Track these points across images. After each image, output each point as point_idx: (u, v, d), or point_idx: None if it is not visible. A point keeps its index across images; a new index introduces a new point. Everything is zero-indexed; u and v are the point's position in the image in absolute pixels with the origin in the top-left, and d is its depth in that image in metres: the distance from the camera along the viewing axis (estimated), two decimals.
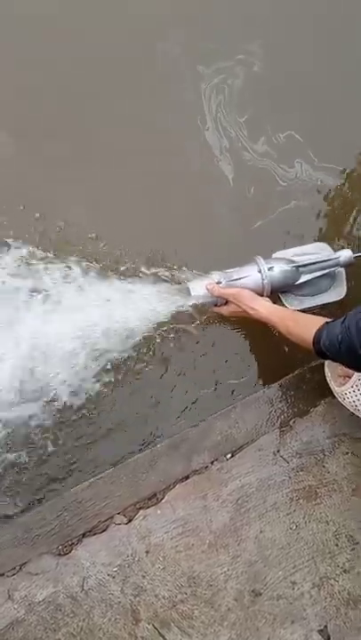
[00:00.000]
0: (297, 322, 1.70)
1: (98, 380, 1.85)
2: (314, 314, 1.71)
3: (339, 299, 1.98)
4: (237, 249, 1.95)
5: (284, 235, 2.03)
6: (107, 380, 1.88)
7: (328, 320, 1.62)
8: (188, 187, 2.09)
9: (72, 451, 1.84)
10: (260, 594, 1.66)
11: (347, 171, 2.18)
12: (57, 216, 1.98)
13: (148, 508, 1.75)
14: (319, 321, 1.62)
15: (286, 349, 1.96)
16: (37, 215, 1.98)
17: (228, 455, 1.81)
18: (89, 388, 1.84)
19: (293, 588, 1.66)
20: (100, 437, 1.86)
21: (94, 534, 1.72)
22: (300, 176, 2.14)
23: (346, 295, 1.95)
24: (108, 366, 1.86)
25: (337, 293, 1.98)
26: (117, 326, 1.81)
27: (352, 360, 1.52)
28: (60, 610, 1.61)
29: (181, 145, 2.14)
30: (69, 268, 1.88)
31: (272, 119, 2.19)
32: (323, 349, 1.57)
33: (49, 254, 1.90)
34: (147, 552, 1.69)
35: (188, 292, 1.86)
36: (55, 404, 1.82)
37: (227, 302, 1.87)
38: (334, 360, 1.65)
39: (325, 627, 1.63)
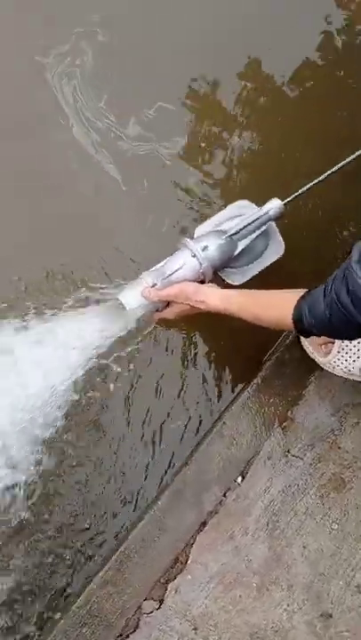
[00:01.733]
0: (265, 305, 1.44)
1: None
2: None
3: (280, 256, 1.72)
4: (153, 249, 1.60)
5: (196, 213, 1.70)
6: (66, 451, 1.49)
7: (300, 292, 1.35)
8: (75, 203, 1.71)
9: (59, 556, 1.46)
10: (331, 615, 1.46)
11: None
12: None
13: (176, 578, 1.46)
14: (290, 297, 1.37)
15: (248, 337, 1.67)
16: None
17: (239, 479, 1.55)
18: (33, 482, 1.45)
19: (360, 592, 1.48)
20: (82, 528, 1.50)
21: (127, 637, 1.40)
22: (180, 149, 1.82)
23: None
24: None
25: (276, 251, 1.73)
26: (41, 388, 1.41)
27: (350, 332, 1.29)
28: None
29: (50, 155, 1.73)
30: None
31: (135, 94, 1.84)
32: (307, 327, 1.32)
33: None
34: (195, 629, 1.41)
35: (121, 309, 1.50)
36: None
37: (169, 304, 1.54)
38: (321, 335, 1.41)
39: None
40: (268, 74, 1.94)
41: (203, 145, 1.85)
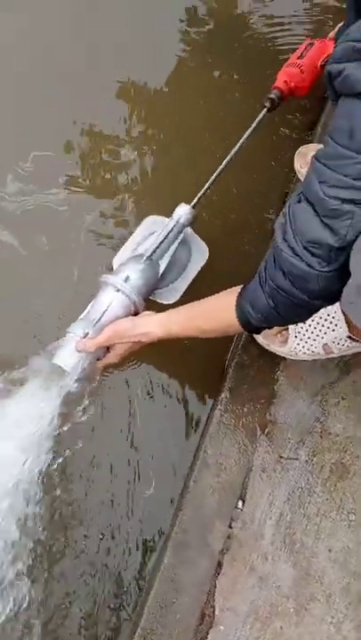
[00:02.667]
0: (205, 315, 1.33)
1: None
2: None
3: (205, 260, 1.62)
4: (74, 302, 1.45)
5: (107, 249, 1.56)
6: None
7: (235, 290, 1.24)
8: None
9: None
10: None
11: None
12: None
13: (208, 634, 1.32)
14: (228, 299, 1.26)
15: (197, 350, 1.55)
16: None
17: (240, 504, 1.42)
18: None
19: None
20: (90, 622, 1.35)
21: None
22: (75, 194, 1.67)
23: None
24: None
25: (200, 256, 1.63)
26: None
27: (299, 313, 1.19)
28: None
29: None
30: None
31: (6, 148, 1.66)
32: (256, 324, 1.22)
33: None
34: None
35: (60, 372, 1.34)
36: None
37: (109, 348, 1.40)
38: (273, 326, 1.30)
39: None
40: (142, 88, 1.80)
41: (89, 181, 1.70)
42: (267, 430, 1.48)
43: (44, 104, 1.74)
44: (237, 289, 1.25)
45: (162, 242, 1.46)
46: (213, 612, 1.34)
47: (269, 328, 1.33)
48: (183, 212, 1.47)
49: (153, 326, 1.35)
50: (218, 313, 1.29)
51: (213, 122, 1.79)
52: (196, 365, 1.57)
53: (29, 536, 1.29)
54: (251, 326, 1.23)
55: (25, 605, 1.34)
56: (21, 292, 1.57)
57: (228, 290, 1.28)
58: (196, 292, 1.45)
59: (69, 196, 1.68)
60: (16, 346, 1.47)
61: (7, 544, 1.30)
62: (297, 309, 1.16)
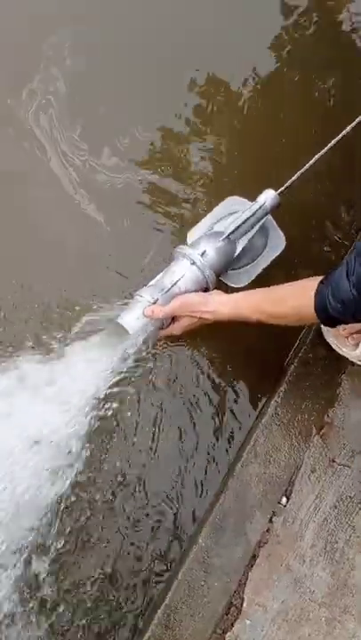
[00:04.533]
0: (279, 300, 1.29)
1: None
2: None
3: (282, 249, 1.59)
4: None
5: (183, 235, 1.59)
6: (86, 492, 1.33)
7: (315, 279, 1.22)
8: (58, 249, 1.58)
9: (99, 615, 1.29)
10: None
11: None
12: None
13: (233, 625, 1.28)
14: (306, 285, 1.23)
15: (262, 341, 1.52)
16: None
17: (283, 500, 1.38)
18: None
19: None
20: (120, 583, 1.33)
21: None
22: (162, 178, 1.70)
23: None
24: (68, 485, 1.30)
25: (277, 245, 1.59)
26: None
27: None
28: None
29: (30, 194, 1.62)
30: None
31: (109, 122, 1.72)
32: (334, 315, 1.18)
33: None
34: None
35: (123, 333, 1.34)
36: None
37: (174, 319, 1.39)
38: (346, 320, 1.26)
39: None
40: (237, 80, 1.83)
41: (176, 168, 1.73)
42: (322, 431, 1.44)
43: (154, 88, 1.78)
44: (317, 278, 1.23)
45: (243, 223, 1.45)
46: (242, 603, 1.29)
47: (343, 322, 1.30)
48: (269, 196, 1.46)
49: (223, 305, 1.34)
50: (294, 299, 1.27)
51: (311, 119, 1.79)
52: (258, 356, 1.55)
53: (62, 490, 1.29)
54: (326, 314, 1.20)
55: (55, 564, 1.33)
56: (100, 260, 1.60)
57: (306, 279, 1.26)
58: (265, 281, 1.44)
59: (156, 179, 1.71)
60: (86, 302, 1.49)
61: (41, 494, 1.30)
62: None
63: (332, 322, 1.23)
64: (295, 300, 1.25)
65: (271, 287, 1.36)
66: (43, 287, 1.53)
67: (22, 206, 1.61)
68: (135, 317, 1.34)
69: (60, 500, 1.28)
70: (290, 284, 1.31)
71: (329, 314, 1.19)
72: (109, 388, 1.34)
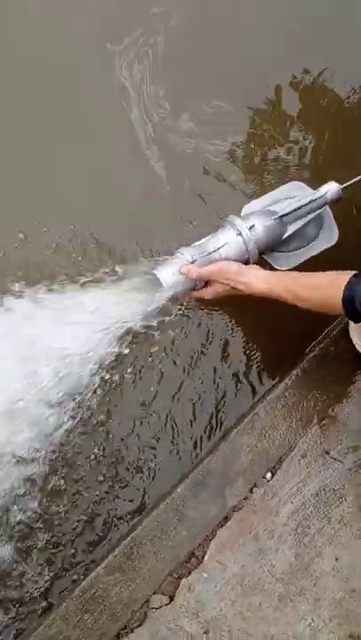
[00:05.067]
0: (311, 285, 1.32)
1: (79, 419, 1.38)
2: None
3: (332, 244, 1.60)
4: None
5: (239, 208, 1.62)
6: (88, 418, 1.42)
7: (355, 272, 1.24)
8: (119, 197, 1.66)
9: (66, 530, 1.37)
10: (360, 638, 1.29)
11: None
12: None
13: (190, 574, 1.33)
14: (340, 277, 1.25)
15: (290, 325, 1.55)
16: None
17: (268, 475, 1.42)
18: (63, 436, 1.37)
19: None
20: (97, 499, 1.41)
21: (132, 630, 1.29)
22: (234, 149, 1.75)
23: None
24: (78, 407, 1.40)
25: (328, 239, 1.60)
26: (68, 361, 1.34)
27: None
28: None
29: (107, 140, 1.70)
30: None
31: (195, 87, 1.77)
32: (359, 309, 1.19)
33: None
34: (206, 632, 1.28)
35: (157, 284, 1.41)
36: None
37: (207, 283, 1.44)
38: None
39: None
40: (331, 80, 1.85)
41: (249, 147, 1.77)
42: (323, 422, 1.46)
43: (245, 62, 1.83)
44: (351, 272, 1.26)
45: (299, 208, 1.48)
46: (203, 556, 1.35)
47: None
48: (331, 188, 1.48)
49: (258, 280, 1.38)
50: (325, 287, 1.29)
51: None
52: (282, 337, 1.59)
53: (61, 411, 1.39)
54: (352, 306, 1.22)
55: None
56: (150, 217, 1.67)
57: (342, 271, 1.29)
58: (305, 271, 1.47)
59: (227, 150, 1.76)
60: (133, 250, 1.57)
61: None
62: None
63: (357, 317, 1.25)
64: (326, 288, 1.28)
65: (304, 273, 1.40)
66: (97, 230, 1.61)
67: (95, 150, 1.69)
68: (171, 272, 1.40)
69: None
70: (325, 272, 1.34)
71: (355, 306, 1.21)
72: (131, 330, 1.42)
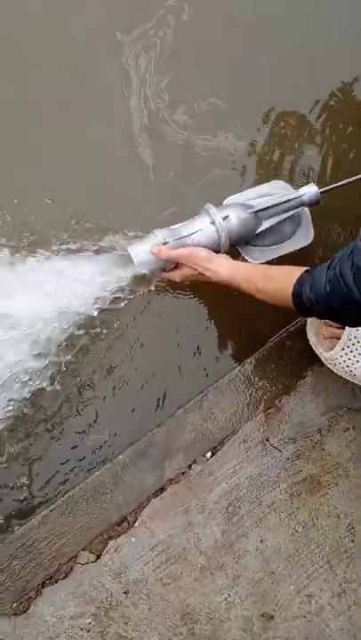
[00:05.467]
0: (268, 277, 1.39)
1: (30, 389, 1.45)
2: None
3: (306, 244, 1.66)
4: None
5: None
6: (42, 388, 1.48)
7: (307, 268, 1.30)
8: (104, 178, 1.72)
9: (8, 479, 1.44)
10: (273, 617, 1.35)
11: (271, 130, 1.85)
12: None
13: (119, 536, 1.39)
14: (296, 271, 1.31)
15: (255, 315, 1.61)
16: None
17: (208, 454, 1.47)
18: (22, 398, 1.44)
19: (311, 603, 1.36)
20: (41, 458, 1.48)
21: (56, 581, 1.35)
22: (223, 146, 1.79)
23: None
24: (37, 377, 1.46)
25: (304, 238, 1.66)
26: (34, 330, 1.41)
27: (349, 313, 1.21)
28: None
29: (102, 122, 1.76)
30: None
31: (195, 82, 1.83)
32: (306, 304, 1.26)
33: None
34: (126, 593, 1.34)
35: (128, 261, 1.48)
36: None
37: (177, 266, 1.51)
38: (321, 316, 1.36)
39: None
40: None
41: (240, 145, 1.82)
42: (268, 411, 1.52)
43: (248, 65, 1.88)
44: (305, 267, 1.32)
45: (275, 205, 1.54)
46: (134, 522, 1.41)
47: (318, 317, 1.38)
48: (310, 191, 1.54)
49: (223, 268, 1.45)
50: (280, 279, 1.36)
51: None
52: (242, 328, 1.64)
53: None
54: (300, 302, 1.28)
55: None
56: (134, 198, 1.72)
57: (299, 267, 1.35)
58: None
59: (216, 146, 1.81)
60: (109, 227, 1.63)
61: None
62: (347, 307, 1.19)
63: (305, 311, 1.31)
64: (281, 280, 1.34)
65: (267, 265, 1.46)
66: (81, 205, 1.66)
67: (88, 131, 1.74)
68: (142, 251, 1.47)
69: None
70: (282, 266, 1.41)
71: (303, 302, 1.27)
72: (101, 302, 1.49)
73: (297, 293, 1.28)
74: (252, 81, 1.85)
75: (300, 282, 1.29)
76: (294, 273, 1.31)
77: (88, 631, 1.31)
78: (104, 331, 1.57)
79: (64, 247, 1.57)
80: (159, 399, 1.56)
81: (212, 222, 1.50)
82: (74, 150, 1.74)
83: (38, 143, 1.72)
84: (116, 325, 1.58)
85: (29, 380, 1.43)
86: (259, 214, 1.56)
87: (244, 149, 1.83)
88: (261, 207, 1.56)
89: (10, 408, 1.42)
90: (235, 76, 1.86)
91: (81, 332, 1.53)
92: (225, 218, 1.51)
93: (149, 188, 1.73)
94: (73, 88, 1.78)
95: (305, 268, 1.31)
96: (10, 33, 1.81)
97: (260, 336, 1.61)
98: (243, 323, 1.65)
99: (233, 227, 1.52)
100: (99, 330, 1.56)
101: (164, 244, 1.47)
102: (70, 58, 1.80)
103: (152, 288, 1.59)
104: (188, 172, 1.77)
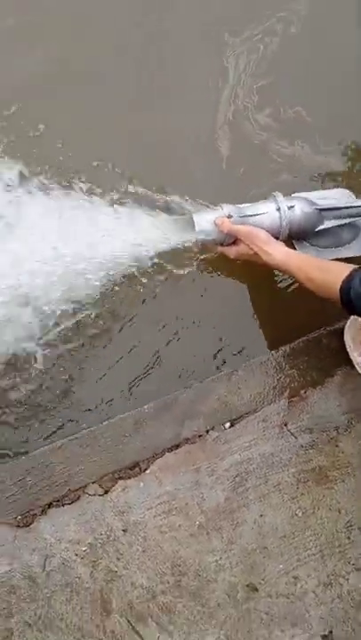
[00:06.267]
0: (320, 268, 1.46)
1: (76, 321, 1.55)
2: None
3: (359, 254, 1.73)
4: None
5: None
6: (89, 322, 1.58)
7: (359, 266, 1.37)
8: (180, 161, 1.84)
9: (47, 403, 1.53)
10: (257, 589, 1.39)
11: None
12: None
13: (130, 478, 1.46)
14: (348, 268, 1.39)
15: (301, 308, 1.69)
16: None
17: (227, 424, 1.54)
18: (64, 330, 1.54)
19: (296, 585, 1.39)
20: (77, 393, 1.57)
21: (62, 505, 1.43)
22: (298, 156, 1.91)
23: None
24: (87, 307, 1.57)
25: (358, 248, 1.74)
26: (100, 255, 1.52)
27: None
28: (15, 593, 1.32)
29: (190, 108, 1.91)
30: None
31: (287, 90, 1.97)
32: (353, 300, 1.32)
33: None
34: (124, 530, 1.40)
35: (191, 226, 1.57)
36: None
37: (235, 242, 1.59)
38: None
39: (330, 632, 1.37)
40: None
41: (313, 157, 1.93)
42: (292, 399, 1.58)
43: (340, 90, 1.99)
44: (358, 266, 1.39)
45: (339, 208, 1.63)
46: (146, 469, 1.48)
47: (357, 314, 1.44)
48: None
49: (279, 252, 1.53)
50: (332, 271, 1.43)
51: None
52: (283, 316, 1.72)
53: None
54: (346, 297, 1.35)
55: None
56: (203, 180, 1.83)
57: (354, 265, 1.42)
58: None
59: (289, 153, 1.90)
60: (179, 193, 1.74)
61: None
62: None
63: (350, 307, 1.38)
64: (332, 273, 1.42)
65: (321, 259, 1.54)
66: (159, 172, 1.79)
67: (177, 113, 1.88)
68: (206, 220, 1.57)
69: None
70: (338, 262, 1.49)
71: (349, 297, 1.34)
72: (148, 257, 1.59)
73: (345, 288, 1.35)
74: (340, 99, 1.96)
75: (349, 277, 1.36)
76: (346, 269, 1.39)
77: (82, 558, 1.38)
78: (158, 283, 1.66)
79: (137, 208, 1.68)
80: (197, 361, 1.63)
81: (278, 209, 1.59)
82: (159, 133, 1.86)
83: (131, 125, 1.85)
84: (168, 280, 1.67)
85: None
86: (322, 213, 1.64)
87: (317, 162, 1.93)
88: (326, 207, 1.64)
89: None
90: (324, 91, 1.97)
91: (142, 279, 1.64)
92: (290, 207, 1.59)
93: (219, 178, 1.84)
94: (173, 78, 1.92)
95: (358, 266, 1.38)
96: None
97: (301, 330, 1.68)
98: (288, 315, 1.72)
99: (296, 218, 1.60)
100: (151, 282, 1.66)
101: (229, 217, 1.56)
102: (175, 48, 1.94)
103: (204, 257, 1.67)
104: (258, 173, 1.88)
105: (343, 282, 1.36)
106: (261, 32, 2.02)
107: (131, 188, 1.71)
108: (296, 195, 1.69)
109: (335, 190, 1.76)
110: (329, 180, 1.91)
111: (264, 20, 2.02)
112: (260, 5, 2.05)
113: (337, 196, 1.73)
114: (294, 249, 1.66)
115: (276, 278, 1.72)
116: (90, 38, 1.95)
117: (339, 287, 1.37)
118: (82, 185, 1.69)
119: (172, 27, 1.99)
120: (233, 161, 1.87)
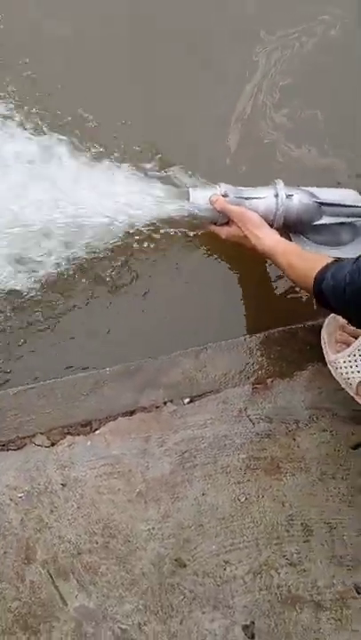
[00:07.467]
0: (301, 257, 1.45)
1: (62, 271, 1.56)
2: None
3: (353, 257, 1.69)
4: None
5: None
6: (73, 275, 1.59)
7: (337, 259, 1.35)
8: (188, 142, 1.82)
9: (11, 350, 1.54)
10: (185, 565, 1.36)
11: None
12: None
13: (78, 435, 1.46)
14: (327, 259, 1.36)
15: (284, 300, 1.67)
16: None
17: (187, 400, 1.53)
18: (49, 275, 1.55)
19: (225, 569, 1.37)
20: (44, 344, 1.57)
21: (7, 449, 1.43)
22: (303, 159, 1.88)
23: None
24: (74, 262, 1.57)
25: (354, 250, 1.70)
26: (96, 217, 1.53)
27: (357, 309, 1.25)
28: None
29: (210, 92, 1.89)
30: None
31: (309, 92, 1.94)
32: (324, 291, 1.31)
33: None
34: (63, 485, 1.40)
35: (186, 198, 1.57)
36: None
37: (228, 222, 1.59)
38: (334, 309, 1.39)
39: (252, 623, 1.33)
40: None
41: (320, 161, 1.90)
42: (257, 385, 1.56)
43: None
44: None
45: (340, 205, 1.60)
46: (96, 429, 1.47)
47: (332, 310, 1.41)
48: None
49: (268, 238, 1.52)
50: (310, 261, 1.41)
51: None
52: (264, 303, 1.70)
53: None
54: (318, 286, 1.34)
55: None
56: (210, 161, 1.81)
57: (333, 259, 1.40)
58: None
59: (295, 156, 1.87)
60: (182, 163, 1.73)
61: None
62: (358, 303, 1.24)
63: (323, 299, 1.35)
64: (312, 262, 1.40)
65: (307, 250, 1.52)
66: (164, 142, 1.78)
67: (193, 106, 1.87)
68: (202, 195, 1.56)
69: None
70: (320, 254, 1.47)
71: (321, 287, 1.32)
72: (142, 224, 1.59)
73: (319, 278, 1.33)
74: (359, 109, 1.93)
75: (325, 268, 1.34)
76: (324, 260, 1.37)
77: (16, 504, 1.38)
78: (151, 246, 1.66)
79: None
80: (168, 333, 1.63)
81: (276, 195, 1.57)
82: (175, 119, 1.84)
83: (157, 110, 1.85)
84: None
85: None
86: (322, 207, 1.62)
87: (322, 166, 1.91)
88: (327, 201, 1.62)
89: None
90: (347, 99, 1.95)
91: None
92: (289, 196, 1.58)
93: (220, 172, 1.79)
94: (202, 63, 1.92)
95: (335, 259, 1.36)
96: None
97: (281, 320, 1.65)
98: (267, 302, 1.70)
99: (293, 207, 1.58)
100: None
101: (224, 196, 1.55)
102: (213, 37, 1.94)
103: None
104: (261, 173, 1.83)
105: (318, 272, 1.34)
106: (298, 31, 2.00)
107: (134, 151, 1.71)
108: (301, 187, 1.68)
109: (342, 190, 1.74)
110: (331, 184, 1.88)
111: (304, 22, 2.00)
112: (305, 7, 2.03)
113: (343, 196, 1.71)
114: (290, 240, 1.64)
115: (267, 265, 1.70)
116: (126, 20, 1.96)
117: (313, 277, 1.35)
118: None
119: (212, 17, 1.99)
120: (238, 157, 1.84)
